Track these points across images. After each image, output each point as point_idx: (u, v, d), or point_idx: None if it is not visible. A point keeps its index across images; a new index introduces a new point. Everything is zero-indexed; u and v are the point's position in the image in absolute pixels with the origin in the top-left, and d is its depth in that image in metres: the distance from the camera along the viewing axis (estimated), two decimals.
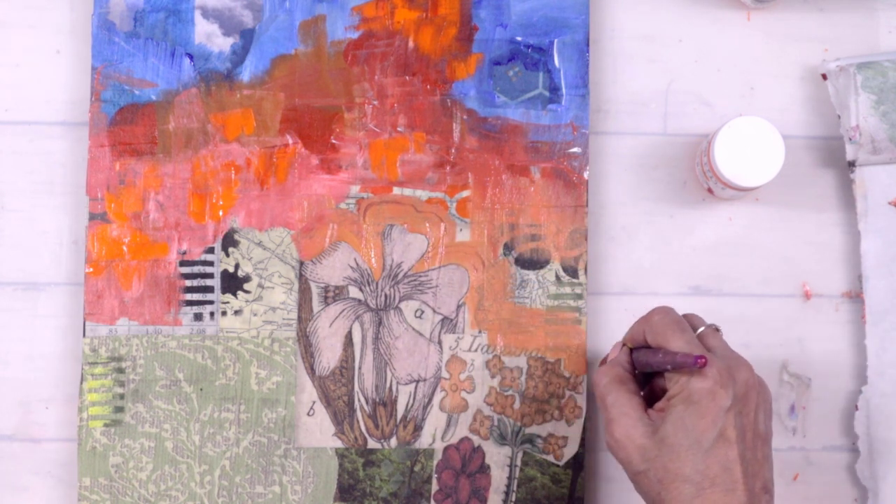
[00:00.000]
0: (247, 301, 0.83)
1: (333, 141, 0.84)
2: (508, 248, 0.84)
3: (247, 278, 0.83)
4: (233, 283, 0.83)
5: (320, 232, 0.83)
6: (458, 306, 0.83)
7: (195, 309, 0.83)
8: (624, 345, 0.76)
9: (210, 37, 0.84)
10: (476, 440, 0.83)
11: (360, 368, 0.83)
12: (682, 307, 0.85)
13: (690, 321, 0.75)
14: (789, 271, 0.86)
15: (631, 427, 0.71)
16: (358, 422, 0.83)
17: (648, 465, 0.70)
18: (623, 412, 0.71)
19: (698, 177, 0.85)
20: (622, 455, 0.71)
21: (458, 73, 0.84)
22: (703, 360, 0.69)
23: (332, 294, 0.83)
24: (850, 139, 0.84)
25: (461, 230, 0.84)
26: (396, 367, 0.83)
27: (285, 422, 0.83)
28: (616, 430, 0.71)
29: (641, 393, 0.74)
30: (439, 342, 0.83)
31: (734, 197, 0.85)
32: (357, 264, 0.83)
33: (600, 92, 0.86)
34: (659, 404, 0.71)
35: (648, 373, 0.75)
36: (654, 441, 0.70)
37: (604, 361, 0.79)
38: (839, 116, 0.85)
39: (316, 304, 0.83)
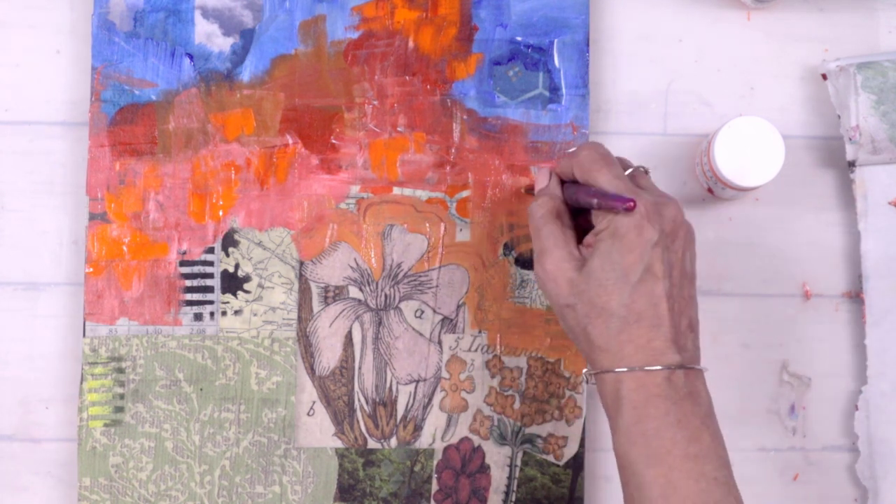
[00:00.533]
0: (247, 301, 0.83)
1: (333, 141, 0.84)
2: (508, 248, 0.84)
3: (247, 278, 0.83)
4: (233, 283, 0.83)
5: (320, 232, 0.83)
6: (458, 306, 0.83)
7: (195, 309, 0.83)
8: (553, 173, 0.75)
9: (210, 37, 0.84)
10: (476, 440, 0.83)
11: (360, 368, 0.83)
12: None
13: (621, 162, 0.74)
14: (789, 271, 0.86)
15: (563, 260, 0.70)
16: (358, 422, 0.83)
17: (576, 298, 0.69)
18: (556, 244, 0.71)
19: (698, 177, 0.85)
20: (551, 287, 0.70)
21: (458, 73, 0.84)
22: (632, 204, 0.68)
23: (332, 294, 0.83)
24: (850, 139, 0.84)
25: (461, 230, 0.84)
26: (396, 367, 0.83)
27: (285, 422, 0.83)
28: (548, 262, 0.70)
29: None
30: (439, 342, 0.83)
31: (734, 197, 0.85)
32: (357, 264, 0.83)
33: (600, 92, 0.86)
34: (587, 239, 0.71)
35: (576, 209, 0.74)
36: (582, 275, 0.69)
37: (530, 188, 0.80)
38: (839, 116, 0.85)
39: (316, 304, 0.83)
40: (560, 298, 0.70)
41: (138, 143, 0.83)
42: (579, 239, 0.73)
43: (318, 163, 0.84)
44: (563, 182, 0.75)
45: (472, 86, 0.84)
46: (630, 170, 0.74)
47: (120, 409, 0.82)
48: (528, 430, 0.83)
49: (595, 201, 0.70)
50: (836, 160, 0.86)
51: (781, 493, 0.85)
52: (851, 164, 0.84)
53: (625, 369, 0.67)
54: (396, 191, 0.84)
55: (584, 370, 0.71)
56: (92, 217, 0.83)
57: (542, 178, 0.76)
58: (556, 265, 0.70)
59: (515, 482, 0.83)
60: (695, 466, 0.66)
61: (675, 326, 0.68)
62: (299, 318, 0.83)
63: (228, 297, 0.83)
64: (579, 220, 0.74)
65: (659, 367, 0.67)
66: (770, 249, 0.86)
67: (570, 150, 0.74)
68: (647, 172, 0.74)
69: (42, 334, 0.84)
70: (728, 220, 0.86)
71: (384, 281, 0.83)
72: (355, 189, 0.84)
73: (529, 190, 0.83)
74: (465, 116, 0.84)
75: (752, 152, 0.80)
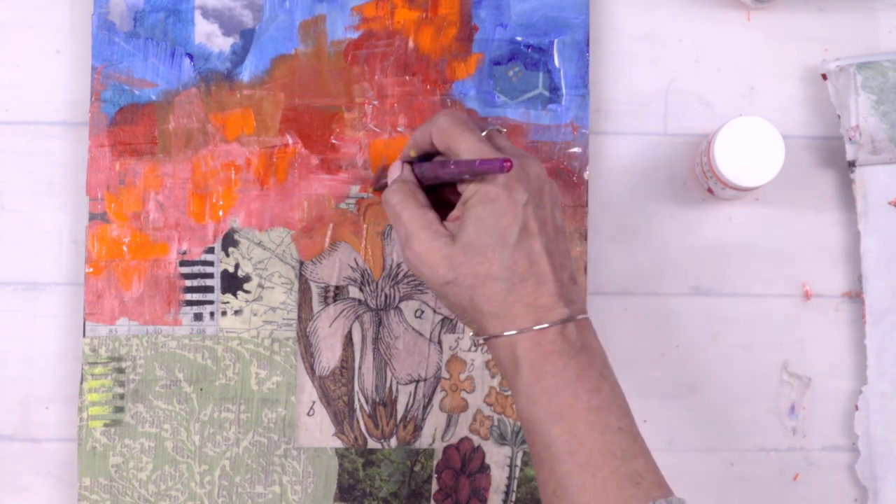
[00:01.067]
0: (247, 301, 0.83)
1: (333, 141, 0.84)
2: None
3: (247, 278, 0.83)
4: (233, 283, 0.83)
5: (320, 232, 0.83)
6: None
7: (195, 309, 0.83)
8: (404, 163, 0.75)
9: (210, 37, 0.84)
10: (476, 440, 0.83)
11: (360, 368, 0.83)
12: (682, 307, 0.85)
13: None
14: (789, 271, 0.86)
15: (431, 239, 0.69)
16: (358, 422, 0.83)
17: (456, 272, 0.68)
18: (421, 225, 0.70)
19: (698, 177, 0.85)
20: (426, 269, 0.69)
21: (458, 73, 0.84)
22: (510, 164, 0.66)
23: (332, 294, 0.83)
24: (850, 139, 0.84)
25: None
26: (396, 367, 0.83)
27: (285, 422, 0.83)
28: (416, 245, 0.70)
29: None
30: (439, 342, 0.83)
31: (734, 197, 0.85)
32: (357, 264, 0.83)
33: (600, 92, 0.86)
34: (454, 213, 0.70)
35: (430, 186, 0.74)
36: (457, 248, 0.68)
37: (376, 184, 0.80)
38: (839, 116, 0.85)
39: (316, 304, 0.83)
40: (438, 278, 0.69)
41: (138, 143, 0.83)
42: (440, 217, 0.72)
43: (318, 163, 0.84)
44: (416, 162, 0.74)
45: (472, 86, 0.84)
46: (485, 131, 0.74)
47: (120, 409, 0.82)
48: None
49: (467, 171, 0.69)
50: (836, 160, 0.86)
51: (781, 493, 0.85)
52: (851, 164, 0.84)
53: (515, 332, 0.67)
54: None
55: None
56: (92, 217, 0.83)
57: (394, 170, 0.75)
58: (426, 245, 0.69)
59: (515, 482, 0.83)
60: (598, 418, 0.66)
61: (558, 281, 0.68)
62: (299, 318, 0.83)
63: (228, 297, 0.83)
64: (432, 199, 0.73)
65: (547, 325, 0.67)
66: (770, 249, 0.86)
67: (424, 123, 0.73)
68: (500, 132, 0.74)
69: (42, 334, 0.84)
70: (728, 220, 0.86)
71: (384, 281, 0.83)
72: (355, 189, 0.84)
73: (380, 188, 0.82)
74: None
75: (752, 152, 0.80)
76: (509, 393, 0.83)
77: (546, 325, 0.67)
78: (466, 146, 0.70)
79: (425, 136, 0.73)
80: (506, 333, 0.68)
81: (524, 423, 0.68)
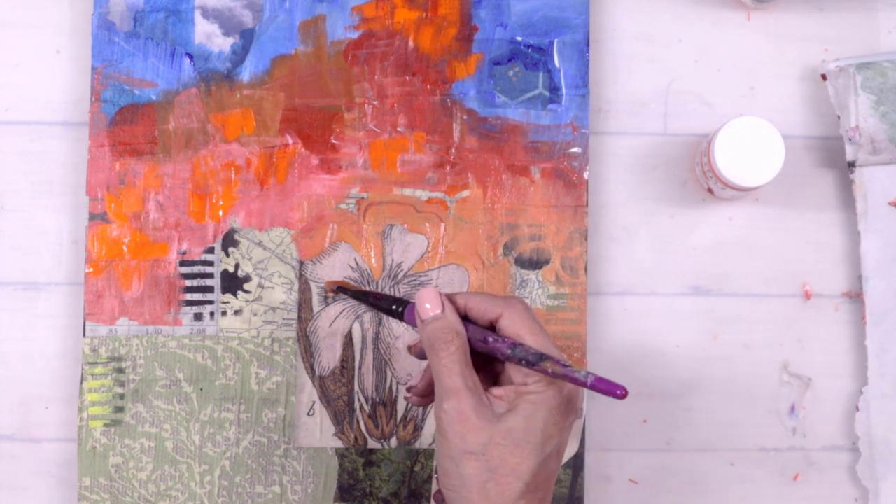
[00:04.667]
0: (247, 301, 0.83)
1: (333, 141, 0.84)
2: (508, 248, 0.84)
3: (247, 278, 0.83)
4: (233, 283, 0.83)
5: (320, 232, 0.83)
6: None
7: (195, 309, 0.83)
8: (447, 304, 0.71)
9: (210, 37, 0.84)
10: None
11: (360, 368, 0.83)
12: (682, 307, 0.85)
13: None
14: (789, 271, 0.86)
15: (476, 406, 0.67)
16: (358, 422, 0.83)
17: (486, 449, 0.67)
18: (468, 388, 0.67)
19: (698, 177, 0.85)
20: (457, 429, 0.67)
21: (458, 73, 0.84)
22: (625, 393, 0.65)
23: (333, 294, 0.83)
24: (850, 139, 0.84)
25: (461, 230, 0.84)
26: (396, 367, 0.83)
27: (285, 422, 0.83)
28: (458, 403, 0.67)
29: None
30: None
31: (734, 197, 0.85)
32: (357, 264, 0.83)
33: (600, 92, 0.86)
34: (498, 391, 0.68)
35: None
36: (499, 429, 0.67)
37: (342, 288, 0.79)
38: (839, 117, 0.85)
39: (316, 304, 0.83)
40: (465, 444, 0.67)
41: (138, 143, 0.83)
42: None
43: (318, 163, 0.84)
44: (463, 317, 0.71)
45: (472, 86, 0.84)
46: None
47: (120, 409, 0.82)
48: None
49: (548, 365, 0.67)
50: (836, 160, 0.86)
51: (781, 493, 0.85)
52: (851, 165, 0.84)
53: None
54: (396, 191, 0.84)
55: None
56: (92, 217, 0.83)
57: (430, 299, 0.71)
58: (467, 410, 0.67)
59: None
60: None
61: (549, 502, 0.69)
62: (299, 318, 0.83)
63: (228, 297, 0.83)
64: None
65: None
66: (770, 249, 0.86)
67: (493, 295, 0.71)
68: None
69: (42, 334, 0.84)
70: (728, 220, 0.86)
71: (384, 281, 0.83)
72: (355, 189, 0.84)
73: (342, 289, 0.81)
74: (465, 116, 0.84)
75: (752, 152, 0.80)
76: None
77: None
78: (540, 346, 0.68)
79: (486, 310, 0.70)
80: None
81: None
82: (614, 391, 0.64)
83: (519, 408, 0.67)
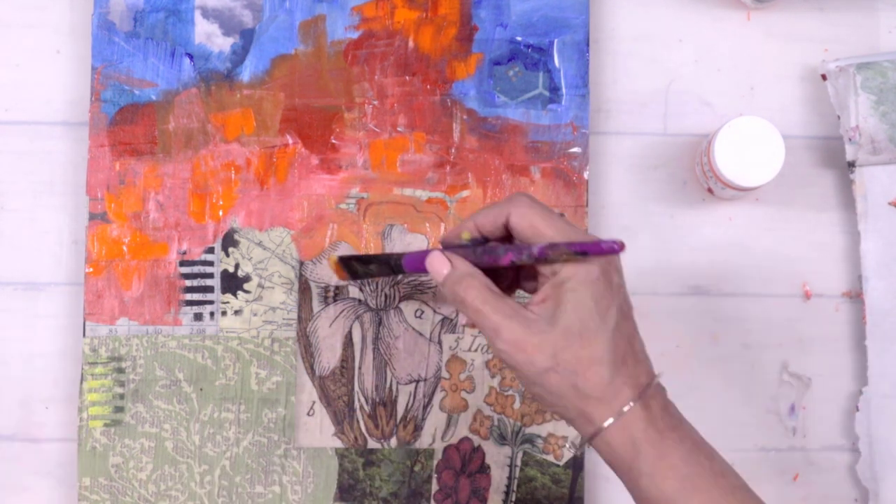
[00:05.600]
0: (247, 301, 0.83)
1: (333, 141, 0.84)
2: None
3: (247, 278, 0.83)
4: (233, 283, 0.83)
5: (320, 232, 0.83)
6: None
7: (195, 309, 0.83)
8: (449, 253, 0.71)
9: (210, 37, 0.84)
10: (476, 440, 0.83)
11: (360, 368, 0.83)
12: (682, 307, 0.85)
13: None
14: (789, 271, 0.86)
15: (524, 327, 0.66)
16: (358, 422, 0.83)
17: (556, 359, 0.66)
18: (508, 315, 0.67)
19: (698, 177, 0.85)
20: (522, 357, 0.66)
21: (458, 73, 0.84)
22: (620, 244, 0.65)
23: (332, 294, 0.83)
24: (850, 139, 0.84)
25: None
26: (396, 367, 0.83)
27: (285, 422, 0.83)
28: (508, 335, 0.66)
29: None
30: (439, 342, 0.83)
31: (734, 197, 0.85)
32: None
33: (600, 92, 0.86)
34: (539, 296, 0.68)
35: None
36: (557, 333, 0.66)
37: (346, 261, 0.77)
38: (839, 117, 0.85)
39: (316, 304, 0.83)
40: (536, 365, 0.66)
41: (138, 143, 0.83)
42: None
43: (318, 163, 0.84)
44: (475, 246, 0.72)
45: (472, 86, 0.84)
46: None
47: (120, 409, 0.82)
48: (528, 430, 0.83)
49: (564, 254, 0.67)
50: (836, 160, 0.86)
51: (781, 493, 0.85)
52: (851, 165, 0.84)
53: (626, 411, 0.66)
54: (396, 191, 0.84)
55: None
56: (92, 217, 0.83)
57: (438, 264, 0.71)
58: (519, 334, 0.66)
59: (515, 482, 0.83)
60: (725, 482, 0.66)
61: (647, 358, 0.68)
62: (299, 318, 0.83)
63: (228, 297, 0.83)
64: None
65: (637, 401, 0.66)
66: (770, 249, 0.86)
67: (494, 204, 0.70)
68: (562, 216, 0.72)
69: (42, 334, 0.84)
70: (728, 220, 0.86)
71: (384, 281, 0.83)
72: (355, 189, 0.84)
73: (343, 262, 0.81)
74: (465, 116, 0.84)
75: (752, 152, 0.80)
76: (510, 392, 0.83)
77: (639, 401, 0.66)
78: (555, 229, 0.68)
79: (494, 218, 0.70)
80: (606, 424, 0.66)
81: (651, 502, 0.67)
82: (612, 246, 0.65)
83: (563, 301, 0.66)
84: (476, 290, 0.68)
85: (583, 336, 0.66)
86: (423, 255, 0.71)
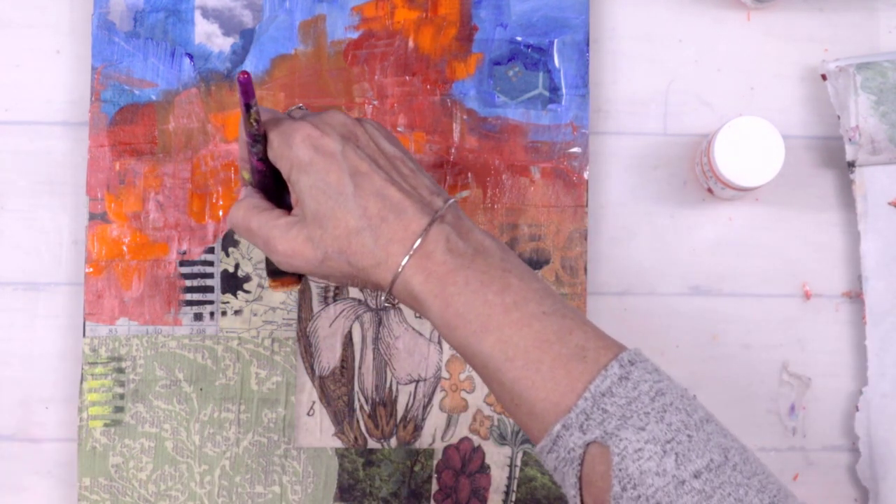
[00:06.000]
0: (247, 301, 0.83)
1: None
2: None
3: (247, 278, 0.83)
4: (233, 283, 0.83)
5: None
6: None
7: (195, 309, 0.83)
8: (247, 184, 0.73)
9: (210, 37, 0.84)
10: (476, 440, 0.83)
11: (359, 368, 0.83)
12: (682, 307, 0.85)
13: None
14: (789, 271, 0.86)
15: (285, 231, 0.68)
16: (358, 422, 0.83)
17: (322, 247, 0.67)
18: (271, 225, 0.68)
19: (698, 177, 0.85)
20: (298, 259, 0.68)
21: (458, 73, 0.84)
22: (243, 73, 0.65)
23: (332, 294, 0.83)
24: (850, 139, 0.84)
25: None
26: (396, 367, 0.83)
27: (285, 422, 0.83)
28: (277, 244, 0.68)
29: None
30: (439, 342, 0.83)
31: (734, 197, 0.85)
32: None
33: (600, 92, 0.86)
34: (292, 200, 0.69)
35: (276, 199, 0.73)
36: (310, 225, 0.67)
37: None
38: (839, 117, 0.85)
39: (316, 304, 0.83)
40: (312, 261, 0.67)
41: (138, 143, 0.83)
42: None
43: None
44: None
45: (472, 86, 0.84)
46: (289, 111, 0.72)
47: (120, 409, 0.82)
48: None
49: (248, 130, 0.68)
50: (836, 160, 0.86)
51: None
52: (851, 165, 0.84)
53: (400, 268, 0.65)
54: None
55: (382, 298, 0.70)
56: (92, 217, 0.83)
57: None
58: (284, 240, 0.68)
59: (515, 482, 0.83)
60: (519, 314, 0.64)
61: (418, 201, 0.66)
62: (299, 318, 0.83)
63: (228, 296, 0.83)
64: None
65: (419, 241, 0.65)
66: (770, 249, 0.86)
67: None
68: (300, 108, 0.73)
69: (42, 334, 0.84)
70: (728, 220, 0.86)
71: None
72: None
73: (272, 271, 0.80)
74: (465, 116, 0.84)
75: (752, 152, 0.80)
76: None
77: (419, 242, 0.65)
78: (269, 123, 0.69)
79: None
80: (390, 286, 0.66)
81: (458, 350, 0.66)
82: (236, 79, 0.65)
83: (298, 196, 0.67)
84: (243, 210, 0.70)
85: (329, 217, 0.66)
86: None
